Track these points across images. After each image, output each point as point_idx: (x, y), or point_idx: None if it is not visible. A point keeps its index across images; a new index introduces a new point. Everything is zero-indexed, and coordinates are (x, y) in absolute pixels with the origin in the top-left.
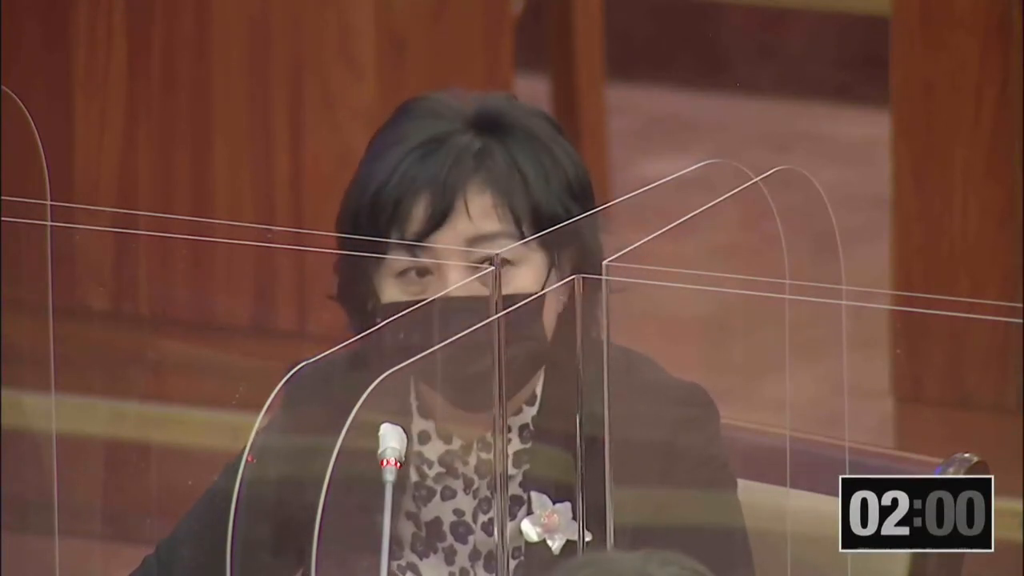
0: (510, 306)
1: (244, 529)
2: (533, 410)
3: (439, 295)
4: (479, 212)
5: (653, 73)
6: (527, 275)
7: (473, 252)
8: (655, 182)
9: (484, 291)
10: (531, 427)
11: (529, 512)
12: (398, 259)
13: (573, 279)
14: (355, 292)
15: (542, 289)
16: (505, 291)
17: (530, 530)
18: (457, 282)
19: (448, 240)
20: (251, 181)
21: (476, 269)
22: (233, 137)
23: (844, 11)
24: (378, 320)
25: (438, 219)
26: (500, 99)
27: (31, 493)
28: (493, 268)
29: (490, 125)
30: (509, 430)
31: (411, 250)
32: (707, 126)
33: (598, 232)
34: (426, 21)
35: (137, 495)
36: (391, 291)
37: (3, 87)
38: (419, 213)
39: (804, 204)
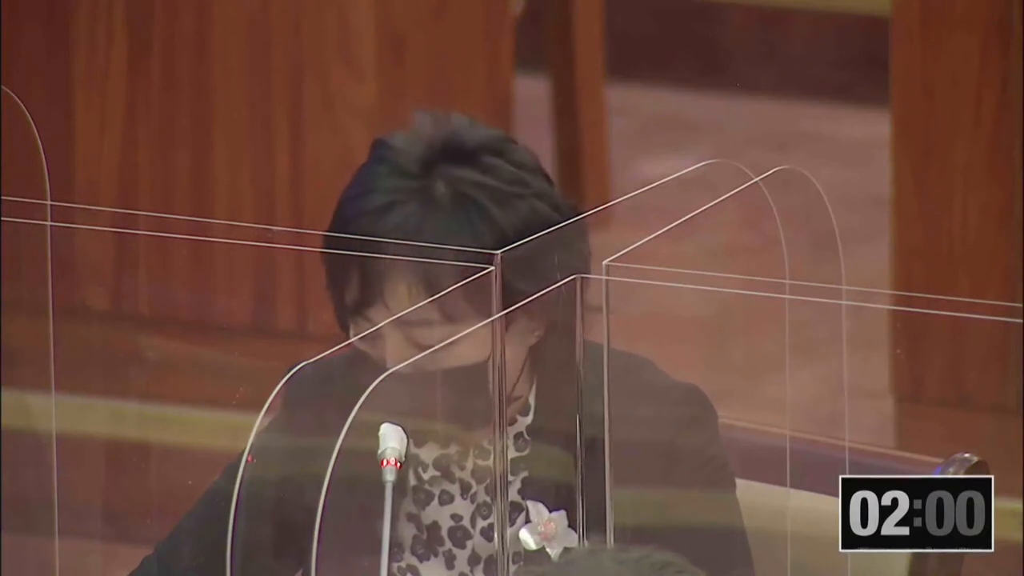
0: (452, 378)
1: (244, 529)
2: (527, 419)
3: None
4: (394, 301)
5: (653, 73)
6: (470, 343)
7: (469, 252)
8: (655, 182)
9: (429, 366)
10: (526, 435)
11: (527, 520)
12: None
13: (573, 279)
14: (333, 293)
15: (489, 356)
16: (448, 364)
17: (528, 538)
18: (393, 349)
19: (375, 315)
20: (251, 181)
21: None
22: (233, 137)
23: (844, 11)
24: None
25: (364, 301)
26: (460, 150)
27: (31, 493)
28: (492, 269)
29: (436, 183)
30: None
31: (358, 315)
32: (707, 126)
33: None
34: (426, 21)
35: (137, 495)
36: (354, 331)
37: (3, 87)
38: (353, 286)
39: (804, 204)
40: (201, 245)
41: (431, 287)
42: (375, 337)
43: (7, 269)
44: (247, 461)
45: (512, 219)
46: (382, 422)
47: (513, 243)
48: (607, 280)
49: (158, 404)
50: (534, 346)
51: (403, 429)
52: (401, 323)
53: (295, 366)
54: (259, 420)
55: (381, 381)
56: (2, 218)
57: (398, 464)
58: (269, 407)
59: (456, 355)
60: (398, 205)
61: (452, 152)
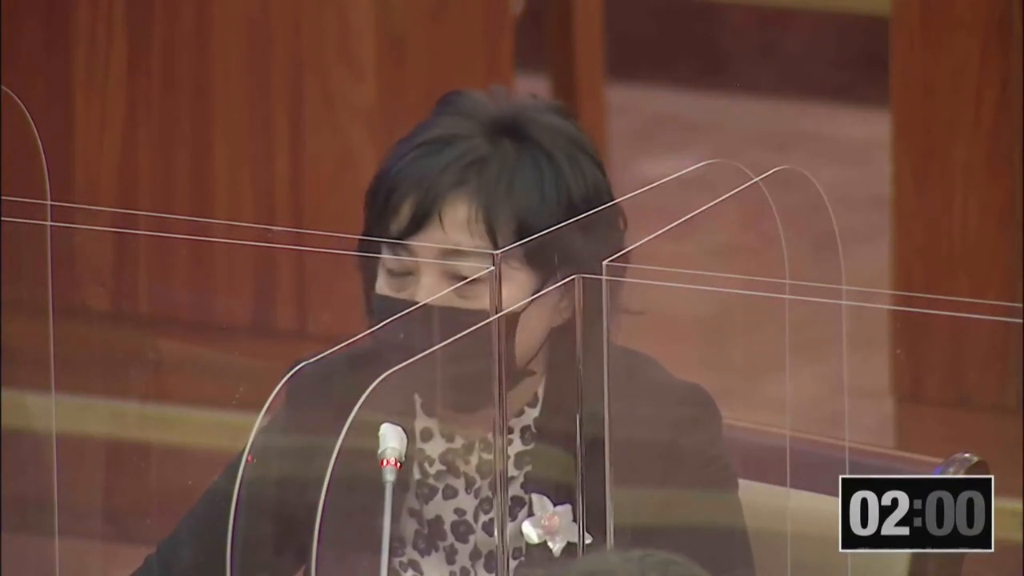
0: (482, 320)
1: (245, 528)
2: (535, 411)
3: (428, 300)
4: (452, 224)
5: (653, 73)
6: (508, 287)
7: (468, 253)
8: (655, 182)
9: (460, 303)
10: (533, 429)
11: (530, 513)
12: (384, 255)
13: (573, 279)
14: (364, 283)
15: (523, 308)
16: (481, 307)
17: (531, 532)
18: (429, 286)
19: (424, 241)
20: (251, 181)
21: (453, 274)
22: (233, 137)
23: (844, 11)
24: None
25: (417, 223)
26: (531, 107)
27: (31, 493)
28: (493, 268)
29: (503, 132)
30: (511, 431)
31: (398, 247)
32: (707, 126)
33: (594, 245)
34: (426, 21)
35: (137, 495)
36: (381, 284)
37: (3, 87)
38: (404, 212)
39: (804, 204)
40: (201, 245)
41: (491, 212)
42: (406, 280)
43: (7, 269)
44: (247, 461)
45: (578, 176)
46: (382, 422)
47: (572, 205)
48: (606, 280)
49: (158, 404)
50: (556, 328)
51: (403, 429)
52: (447, 253)
53: (295, 365)
54: (259, 420)
55: (381, 382)
56: (2, 218)
57: (398, 464)
58: (269, 406)
59: (487, 301)
60: (461, 139)
61: (522, 113)
